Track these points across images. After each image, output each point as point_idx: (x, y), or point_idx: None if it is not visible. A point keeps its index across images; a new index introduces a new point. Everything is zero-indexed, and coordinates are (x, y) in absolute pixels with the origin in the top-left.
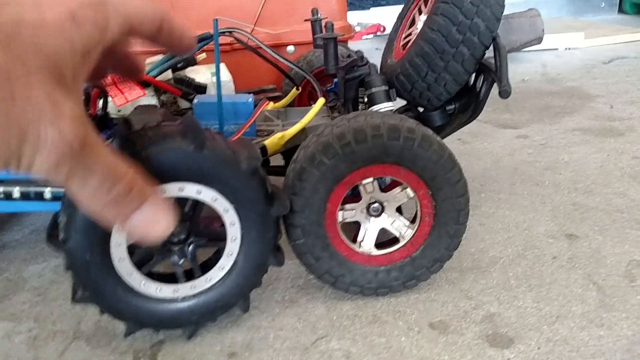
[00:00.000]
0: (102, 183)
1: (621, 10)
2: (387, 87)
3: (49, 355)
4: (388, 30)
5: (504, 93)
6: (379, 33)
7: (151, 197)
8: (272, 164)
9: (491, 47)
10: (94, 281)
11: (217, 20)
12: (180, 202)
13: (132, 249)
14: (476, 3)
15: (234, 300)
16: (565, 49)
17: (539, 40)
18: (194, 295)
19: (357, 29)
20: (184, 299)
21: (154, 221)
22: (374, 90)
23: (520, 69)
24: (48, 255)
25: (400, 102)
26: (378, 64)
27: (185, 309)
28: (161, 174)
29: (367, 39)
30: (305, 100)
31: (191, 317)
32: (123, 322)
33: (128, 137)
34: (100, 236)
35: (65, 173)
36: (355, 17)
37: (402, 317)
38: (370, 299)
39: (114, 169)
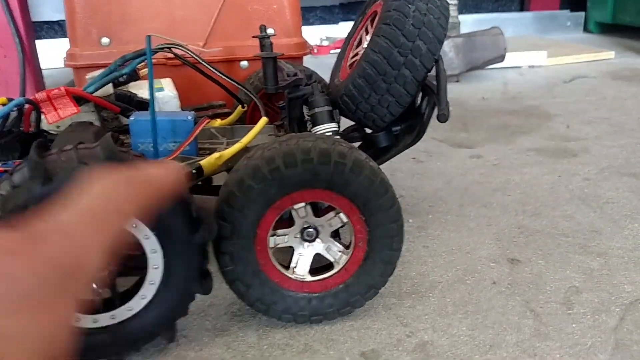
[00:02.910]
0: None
1: (586, 29)
2: (330, 108)
3: None
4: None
5: (442, 117)
6: None
7: None
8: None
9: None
10: None
11: (149, 36)
12: None
13: None
14: (418, 25)
15: (157, 330)
16: (529, 67)
17: (502, 58)
18: (116, 326)
19: (326, 43)
20: (104, 329)
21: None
22: (316, 110)
23: (482, 86)
24: None
25: (347, 122)
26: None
27: (107, 340)
28: None
29: (335, 52)
30: (257, 116)
31: (113, 348)
32: None
33: (40, 162)
34: None
35: None
36: (324, 32)
37: (334, 345)
38: (304, 326)
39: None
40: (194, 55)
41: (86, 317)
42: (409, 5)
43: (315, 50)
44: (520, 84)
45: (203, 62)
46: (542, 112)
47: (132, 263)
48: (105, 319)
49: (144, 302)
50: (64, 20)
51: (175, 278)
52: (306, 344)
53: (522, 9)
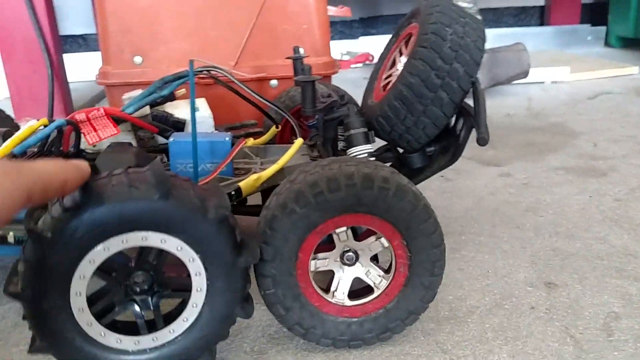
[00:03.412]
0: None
1: (607, 43)
2: (366, 129)
3: None
4: (377, 60)
5: (482, 140)
6: (367, 62)
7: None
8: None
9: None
10: (51, 330)
11: (192, 61)
12: (144, 251)
13: (93, 299)
14: (455, 48)
15: (198, 354)
16: (552, 82)
17: (525, 74)
18: (156, 348)
19: (346, 57)
20: (145, 351)
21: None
22: (352, 132)
23: (506, 102)
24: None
25: (380, 142)
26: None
27: None
28: (122, 224)
29: (355, 67)
30: (287, 135)
31: None
32: None
33: (91, 185)
34: (60, 284)
35: None
36: (344, 46)
37: None
38: (343, 351)
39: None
40: (233, 79)
41: (128, 339)
42: (446, 29)
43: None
44: (544, 100)
45: (242, 86)
46: (568, 129)
47: (177, 285)
48: (147, 341)
49: (186, 324)
50: (88, 34)
51: (217, 301)
52: None
53: (542, 23)
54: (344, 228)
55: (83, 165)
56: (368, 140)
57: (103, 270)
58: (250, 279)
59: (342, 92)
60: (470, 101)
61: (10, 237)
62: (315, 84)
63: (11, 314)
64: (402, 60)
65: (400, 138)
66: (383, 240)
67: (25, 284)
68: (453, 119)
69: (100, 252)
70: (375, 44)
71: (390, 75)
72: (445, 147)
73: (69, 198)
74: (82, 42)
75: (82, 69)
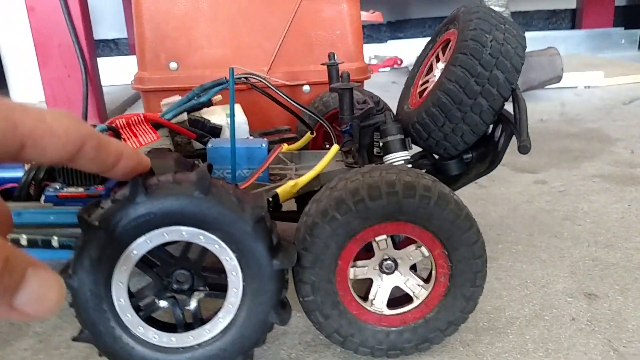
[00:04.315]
0: None
1: None
2: (402, 136)
3: None
4: (405, 64)
5: (524, 149)
6: (395, 66)
7: (32, 264)
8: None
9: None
10: (92, 319)
11: (232, 69)
12: (186, 248)
13: (135, 294)
14: (495, 55)
15: (233, 357)
16: (585, 87)
17: (558, 79)
18: (192, 347)
19: (374, 62)
20: (180, 349)
21: (45, 291)
22: (389, 139)
23: (539, 107)
24: None
25: (416, 149)
26: (394, 97)
27: None
28: (164, 218)
29: (384, 71)
30: (320, 141)
31: None
32: None
33: (140, 180)
34: (104, 274)
35: None
36: (372, 50)
37: None
38: None
39: None
40: (271, 86)
41: (165, 335)
42: (486, 35)
43: None
44: (577, 105)
45: (279, 92)
46: (603, 135)
47: (215, 284)
48: (184, 339)
49: (222, 325)
50: (119, 39)
51: (253, 303)
52: None
53: (573, 26)
54: (384, 236)
55: (144, 155)
56: (405, 147)
57: (146, 264)
58: (287, 285)
59: (377, 98)
60: (509, 108)
61: (55, 242)
62: (353, 92)
63: (52, 316)
64: (440, 67)
65: (437, 145)
66: (423, 249)
67: (72, 270)
68: (491, 126)
69: (143, 244)
70: (403, 48)
71: (427, 82)
72: (482, 154)
73: (120, 193)
74: (114, 47)
75: (113, 73)
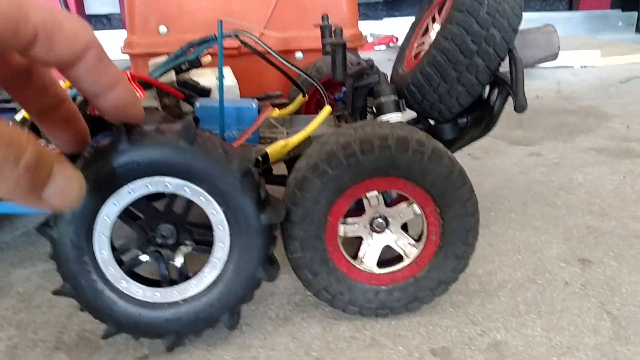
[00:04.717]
0: (7, 153)
1: (638, 29)
2: (396, 97)
3: None
4: (401, 42)
5: (520, 107)
6: (391, 44)
7: (58, 160)
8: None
9: (506, 60)
10: (73, 273)
11: (221, 21)
12: (170, 201)
13: (118, 247)
14: (492, 13)
15: (219, 313)
16: (581, 66)
17: (554, 56)
18: (177, 303)
19: (370, 39)
20: (165, 305)
21: (68, 186)
22: (382, 99)
23: (534, 85)
24: (37, 260)
25: (410, 114)
26: (389, 75)
27: (166, 316)
28: (147, 168)
29: (379, 49)
30: (312, 108)
31: (171, 326)
32: (104, 324)
33: (124, 127)
34: (85, 225)
35: None
36: (368, 28)
37: (402, 341)
38: (369, 320)
39: (15, 138)
40: (261, 43)
41: (150, 290)
42: None
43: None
44: (573, 84)
45: (270, 50)
46: (599, 112)
47: (201, 239)
48: (168, 294)
49: (208, 280)
50: (112, 14)
51: (240, 258)
52: (373, 337)
53: (571, 8)
54: (375, 192)
55: (140, 104)
56: (399, 108)
57: (129, 216)
58: (275, 241)
59: (371, 62)
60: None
61: None
62: (346, 48)
63: (34, 276)
64: (436, 28)
65: (431, 107)
66: (415, 206)
67: (53, 222)
68: (487, 91)
69: (125, 195)
70: (399, 26)
71: (422, 44)
72: (477, 118)
73: (102, 141)
74: (107, 22)
75: (106, 48)
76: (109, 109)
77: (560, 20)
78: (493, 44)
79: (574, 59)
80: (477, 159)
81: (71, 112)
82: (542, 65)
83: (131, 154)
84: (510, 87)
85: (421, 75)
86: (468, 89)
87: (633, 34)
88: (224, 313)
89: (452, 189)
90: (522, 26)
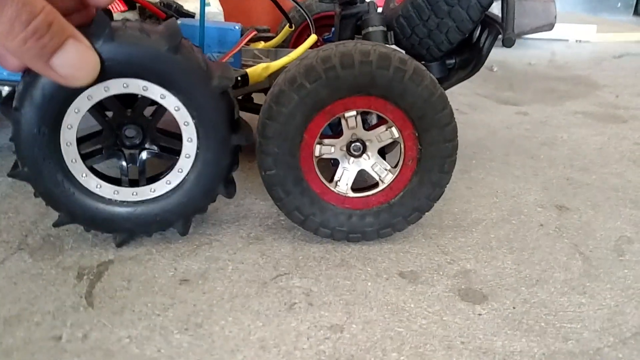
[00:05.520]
0: (19, 13)
1: (637, 12)
2: (384, 28)
3: None
4: None
5: (508, 41)
6: None
7: (73, 35)
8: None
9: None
10: (35, 158)
11: None
12: (142, 103)
13: (82, 139)
14: None
15: (173, 219)
16: (576, 40)
17: (551, 26)
18: (134, 203)
19: None
20: (122, 203)
21: (80, 61)
22: (370, 29)
23: (528, 53)
24: (6, 172)
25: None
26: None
27: (122, 214)
28: (127, 68)
29: None
30: (300, 43)
31: (125, 224)
32: (55, 211)
33: (106, 18)
34: (54, 113)
35: None
36: None
37: (371, 264)
38: (341, 244)
39: (32, 0)
40: None
41: (108, 186)
42: None
43: None
44: (567, 55)
45: None
46: (591, 81)
47: (168, 144)
48: (126, 194)
49: (168, 187)
50: None
51: (203, 172)
52: (342, 259)
53: None
54: (354, 112)
55: None
56: (387, 40)
57: (99, 112)
58: (238, 162)
59: None
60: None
61: (5, 92)
62: None
63: (3, 186)
64: None
65: (420, 43)
66: (394, 129)
67: (19, 104)
68: (477, 33)
69: (100, 91)
70: None
71: None
72: (465, 60)
73: (83, 29)
74: None
75: None
76: None
77: None
78: None
79: (569, 33)
80: (464, 114)
81: None
82: (537, 35)
83: (112, 50)
84: (500, 24)
85: (412, 7)
86: (458, 25)
87: (630, 17)
88: (178, 219)
89: (432, 112)
90: None
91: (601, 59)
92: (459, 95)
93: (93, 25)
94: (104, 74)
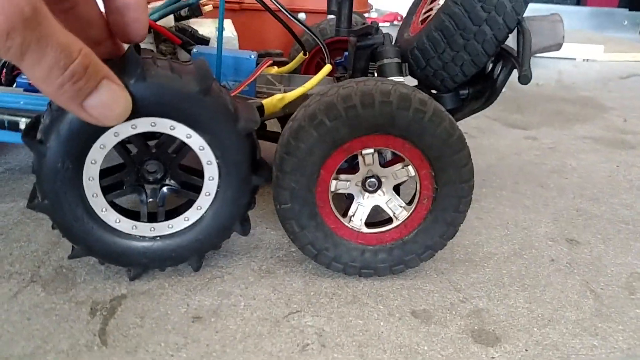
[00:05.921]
0: (58, 59)
1: None
2: (399, 60)
3: (0, 295)
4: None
5: (524, 78)
6: (395, 22)
7: (107, 76)
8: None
9: (511, 37)
10: (56, 191)
11: None
12: (166, 142)
13: (103, 173)
14: None
15: (188, 255)
16: (583, 60)
17: (558, 46)
18: (151, 238)
19: (374, 15)
20: (140, 238)
21: (112, 102)
22: (385, 61)
23: (536, 73)
24: (18, 196)
25: (411, 82)
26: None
27: (139, 249)
28: (157, 107)
29: (383, 26)
30: (312, 70)
31: (141, 259)
32: (72, 244)
33: (138, 57)
34: (80, 148)
35: (18, 45)
36: (373, 3)
37: (383, 301)
38: (352, 279)
39: (69, 44)
40: None
41: (127, 221)
42: None
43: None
44: (574, 75)
45: (276, 3)
46: (598, 103)
47: (188, 181)
48: (145, 229)
49: (186, 224)
50: None
51: (221, 210)
52: (354, 295)
53: (578, 3)
54: (371, 150)
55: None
56: (401, 72)
57: (124, 148)
58: (255, 201)
59: (376, 25)
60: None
61: (22, 124)
62: (352, 3)
63: (14, 212)
64: None
65: (434, 75)
66: (410, 168)
67: (44, 138)
68: (491, 64)
69: (127, 129)
70: (404, 4)
71: (430, 9)
72: (479, 91)
73: (113, 68)
74: None
75: None
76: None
77: (566, 14)
78: (503, 13)
79: (576, 52)
80: (473, 138)
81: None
82: (544, 55)
83: (143, 90)
84: (515, 59)
85: (427, 40)
86: (473, 58)
87: (637, 35)
88: (193, 255)
89: (449, 153)
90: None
91: (608, 80)
92: (468, 118)
93: (125, 63)
94: (134, 113)
